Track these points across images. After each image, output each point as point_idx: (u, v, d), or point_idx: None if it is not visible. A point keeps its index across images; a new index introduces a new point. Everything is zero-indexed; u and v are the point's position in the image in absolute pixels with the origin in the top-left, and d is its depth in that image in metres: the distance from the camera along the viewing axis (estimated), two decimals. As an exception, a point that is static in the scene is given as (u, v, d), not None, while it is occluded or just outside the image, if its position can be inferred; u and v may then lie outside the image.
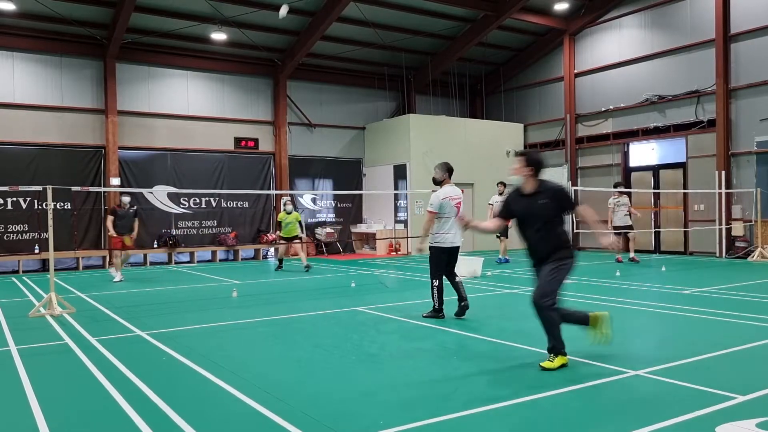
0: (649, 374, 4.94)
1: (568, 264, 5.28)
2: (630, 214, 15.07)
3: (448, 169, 7.84)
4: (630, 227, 15.11)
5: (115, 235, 12.53)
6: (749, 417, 3.90)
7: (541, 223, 5.29)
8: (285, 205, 14.70)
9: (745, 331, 6.60)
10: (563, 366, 5.13)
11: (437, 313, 7.65)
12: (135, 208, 13.62)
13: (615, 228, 14.70)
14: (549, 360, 5.15)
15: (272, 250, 18.80)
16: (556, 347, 5.17)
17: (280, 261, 14.90)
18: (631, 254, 15.10)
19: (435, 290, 7.61)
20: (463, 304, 7.68)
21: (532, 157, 5.52)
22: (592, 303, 8.75)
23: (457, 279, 7.80)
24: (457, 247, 7.71)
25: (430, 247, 7.67)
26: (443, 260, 7.62)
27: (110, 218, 12.66)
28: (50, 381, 5.13)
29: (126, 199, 13.13)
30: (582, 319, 5.44)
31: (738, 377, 4.87)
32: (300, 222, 14.76)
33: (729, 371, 5.10)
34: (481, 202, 19.55)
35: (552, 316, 5.16)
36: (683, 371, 5.02)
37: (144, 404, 4.39)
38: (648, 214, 18.02)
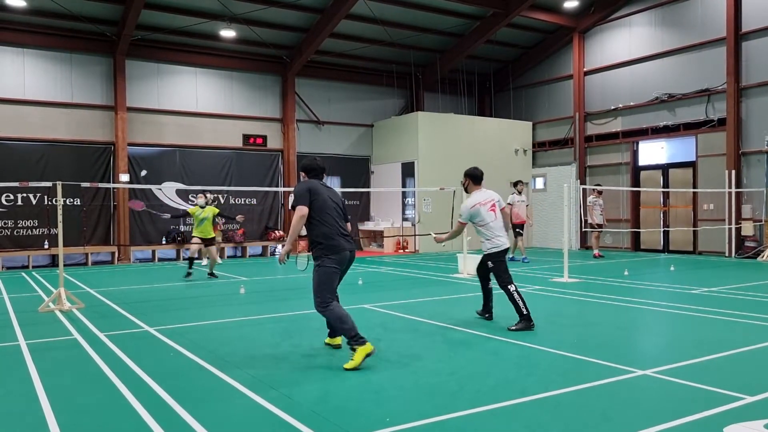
0: (657, 374, 4.91)
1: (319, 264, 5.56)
2: (603, 215, 16.55)
3: (468, 174, 7.43)
4: (600, 226, 16.38)
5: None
6: (757, 418, 3.87)
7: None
8: (197, 197, 12.77)
9: (753, 332, 6.56)
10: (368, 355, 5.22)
11: (528, 322, 6.78)
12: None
13: (591, 225, 16.31)
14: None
15: (279, 247, 18.83)
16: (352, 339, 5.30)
17: (191, 262, 12.30)
18: (596, 251, 16.40)
19: (516, 295, 6.87)
20: (486, 315, 7.43)
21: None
22: (601, 302, 8.72)
23: (490, 285, 7.45)
24: (504, 251, 7.18)
25: (491, 255, 7.12)
26: (505, 264, 7.17)
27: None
28: (59, 376, 5.16)
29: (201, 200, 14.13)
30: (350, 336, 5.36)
31: (746, 378, 4.84)
32: (218, 216, 12.75)
33: (737, 371, 5.07)
34: (489, 201, 19.50)
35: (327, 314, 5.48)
36: (691, 371, 5.00)
37: (151, 399, 4.41)
38: (657, 213, 17.94)
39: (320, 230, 5.53)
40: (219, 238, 14.41)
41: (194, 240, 12.37)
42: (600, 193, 16.44)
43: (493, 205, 7.25)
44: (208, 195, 14.68)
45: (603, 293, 9.50)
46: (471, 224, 7.33)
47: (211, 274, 12.29)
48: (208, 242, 12.26)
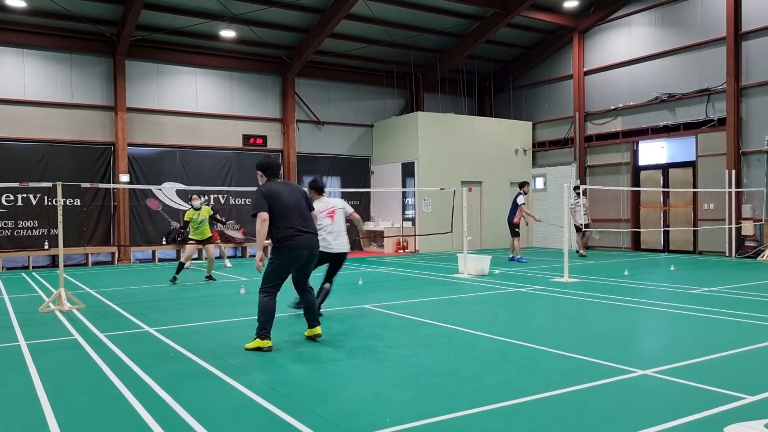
0: (657, 374, 4.91)
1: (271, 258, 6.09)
2: (587, 214, 16.82)
3: (312, 186, 8.12)
4: (587, 225, 16.61)
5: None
6: (758, 417, 3.87)
7: None
8: (191, 200, 12.28)
9: (753, 331, 6.56)
10: (259, 349, 5.84)
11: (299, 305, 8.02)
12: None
13: (576, 225, 16.48)
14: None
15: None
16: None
17: (180, 268, 11.78)
18: (581, 250, 16.71)
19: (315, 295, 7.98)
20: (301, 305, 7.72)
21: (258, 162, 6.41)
22: (601, 302, 8.72)
23: (326, 285, 7.86)
24: (335, 254, 7.72)
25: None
26: (325, 261, 7.80)
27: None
28: (59, 376, 5.16)
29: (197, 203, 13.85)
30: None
31: (746, 377, 4.83)
32: (213, 216, 12.52)
33: (737, 371, 5.06)
34: (489, 200, 19.56)
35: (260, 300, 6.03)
36: (691, 371, 5.00)
37: (152, 399, 4.41)
38: (657, 213, 17.94)
39: (280, 231, 5.94)
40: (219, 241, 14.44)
41: (190, 243, 12.01)
42: (579, 194, 16.47)
43: (332, 212, 7.91)
44: (203, 197, 14.70)
45: (603, 293, 9.50)
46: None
47: (209, 278, 12.01)
48: (206, 241, 12.04)
